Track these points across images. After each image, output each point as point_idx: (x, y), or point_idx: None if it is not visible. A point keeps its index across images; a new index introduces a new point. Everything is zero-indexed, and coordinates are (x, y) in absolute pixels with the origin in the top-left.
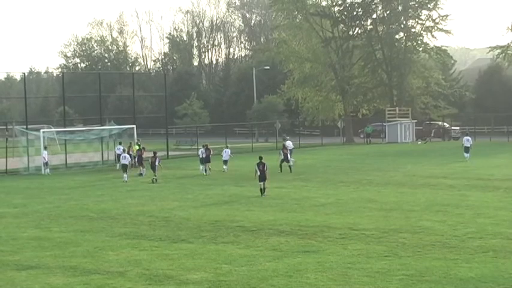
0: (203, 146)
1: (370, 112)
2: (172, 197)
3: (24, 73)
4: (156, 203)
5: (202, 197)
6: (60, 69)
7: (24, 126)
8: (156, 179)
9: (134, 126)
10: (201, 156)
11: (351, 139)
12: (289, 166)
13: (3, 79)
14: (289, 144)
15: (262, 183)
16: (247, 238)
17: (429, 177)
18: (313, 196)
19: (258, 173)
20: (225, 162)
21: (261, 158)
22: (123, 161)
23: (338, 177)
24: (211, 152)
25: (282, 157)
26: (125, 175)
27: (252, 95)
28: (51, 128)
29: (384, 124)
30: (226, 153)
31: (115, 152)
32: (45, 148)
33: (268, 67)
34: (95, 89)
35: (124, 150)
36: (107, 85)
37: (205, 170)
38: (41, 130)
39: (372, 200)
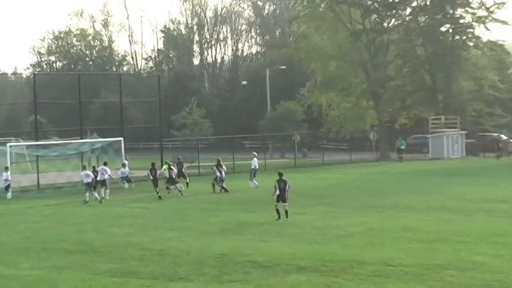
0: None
1: (410, 121)
2: (168, 225)
3: None
4: (149, 232)
5: (204, 225)
6: (31, 70)
7: None
8: (160, 196)
9: (121, 139)
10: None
11: (386, 154)
12: (222, 188)
13: None
14: (254, 162)
15: (282, 204)
16: (259, 276)
17: (482, 201)
18: (340, 224)
19: (278, 192)
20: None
21: (281, 174)
22: (86, 180)
23: (369, 201)
24: (184, 167)
25: (219, 175)
26: (87, 194)
27: (264, 101)
28: (19, 142)
29: (427, 136)
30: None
31: (121, 173)
32: (6, 169)
33: (284, 67)
34: (74, 94)
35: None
36: (88, 89)
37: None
38: (8, 144)
39: (412, 229)
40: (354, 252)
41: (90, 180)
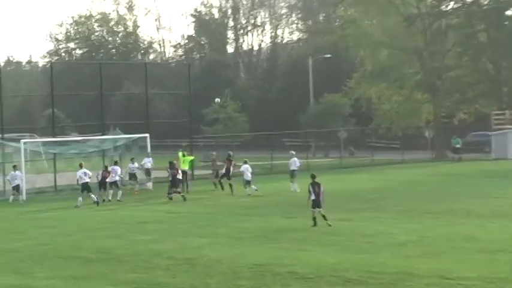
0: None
1: (470, 117)
2: (198, 231)
3: None
4: (176, 239)
5: (238, 232)
6: (47, 58)
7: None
8: (184, 197)
9: (147, 135)
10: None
11: (443, 154)
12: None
13: None
14: (295, 162)
15: (317, 210)
16: None
17: None
18: (390, 231)
19: (313, 197)
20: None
21: (313, 176)
22: (83, 180)
23: (424, 205)
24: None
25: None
26: (80, 198)
27: (307, 93)
28: (35, 138)
29: (489, 134)
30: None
31: (129, 168)
32: (14, 168)
33: (329, 55)
34: (95, 85)
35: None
36: (110, 80)
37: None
38: (22, 140)
39: (472, 238)
40: (406, 263)
41: (87, 180)
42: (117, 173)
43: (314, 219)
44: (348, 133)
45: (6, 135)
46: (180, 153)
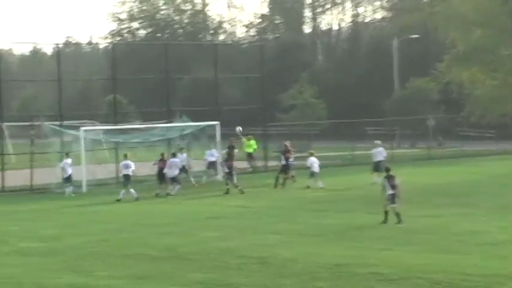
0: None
1: None
2: (271, 228)
3: (57, 45)
4: (247, 236)
5: (315, 229)
6: (109, 39)
7: (58, 123)
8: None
9: (217, 123)
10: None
11: None
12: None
13: (28, 54)
14: (382, 152)
15: (393, 206)
16: None
17: None
18: (484, 229)
19: (390, 191)
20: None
21: (388, 169)
22: (125, 171)
23: None
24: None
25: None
26: (123, 191)
27: (391, 78)
28: (95, 125)
29: None
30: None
31: (206, 159)
32: (67, 155)
33: (416, 36)
34: (160, 69)
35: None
36: (177, 62)
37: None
38: (81, 128)
39: None
40: (502, 265)
41: (129, 172)
42: (177, 166)
43: (386, 213)
44: (437, 121)
45: (65, 123)
46: (245, 139)
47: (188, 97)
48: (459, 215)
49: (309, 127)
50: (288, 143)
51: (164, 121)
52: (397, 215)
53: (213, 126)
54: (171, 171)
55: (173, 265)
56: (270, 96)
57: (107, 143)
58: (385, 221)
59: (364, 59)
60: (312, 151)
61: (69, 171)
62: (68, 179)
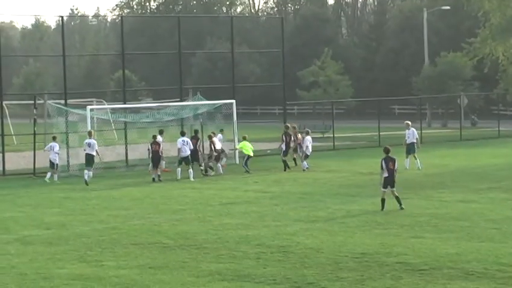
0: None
1: None
2: (293, 214)
3: (61, 17)
4: (268, 223)
5: (340, 215)
6: (118, 11)
7: (62, 101)
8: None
9: (233, 101)
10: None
11: None
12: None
13: (30, 27)
14: (413, 133)
15: (390, 190)
16: (413, 282)
17: None
18: None
19: (385, 174)
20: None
21: (387, 150)
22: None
23: None
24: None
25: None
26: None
27: (420, 53)
28: (103, 104)
29: None
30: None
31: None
32: (53, 139)
33: (447, 7)
34: (172, 44)
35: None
36: (190, 37)
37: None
38: (88, 107)
39: None
40: None
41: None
42: (190, 146)
43: (383, 200)
44: (470, 99)
45: (70, 101)
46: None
47: (203, 74)
48: (495, 200)
49: (332, 106)
50: (289, 125)
51: (177, 99)
52: (397, 198)
53: (230, 104)
54: (184, 151)
55: (187, 254)
56: (291, 72)
57: (116, 123)
58: (382, 209)
59: (392, 33)
60: (308, 129)
61: (53, 157)
62: (54, 165)
